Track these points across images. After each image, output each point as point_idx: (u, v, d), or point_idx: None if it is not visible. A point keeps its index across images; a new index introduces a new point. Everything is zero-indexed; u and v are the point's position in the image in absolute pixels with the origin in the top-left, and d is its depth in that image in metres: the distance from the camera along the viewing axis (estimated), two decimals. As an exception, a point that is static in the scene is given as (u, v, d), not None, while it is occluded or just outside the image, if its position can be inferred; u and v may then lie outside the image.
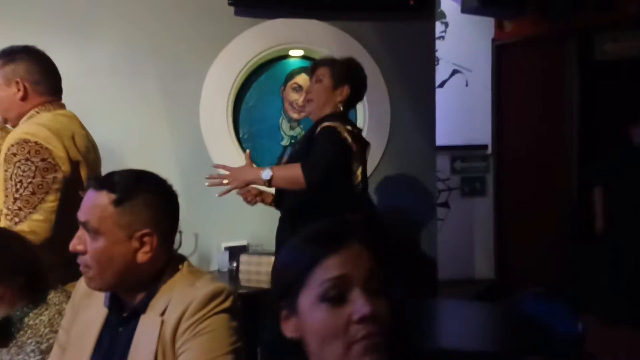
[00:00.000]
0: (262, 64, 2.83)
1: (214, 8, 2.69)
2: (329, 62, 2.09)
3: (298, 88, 2.85)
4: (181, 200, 1.14)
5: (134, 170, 1.11)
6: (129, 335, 1.05)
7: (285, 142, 2.87)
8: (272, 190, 2.08)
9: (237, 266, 2.50)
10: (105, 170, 1.12)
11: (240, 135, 2.82)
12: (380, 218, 2.75)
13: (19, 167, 1.50)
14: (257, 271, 2.27)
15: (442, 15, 4.36)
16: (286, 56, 2.87)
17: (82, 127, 1.74)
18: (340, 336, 0.73)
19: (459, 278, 4.22)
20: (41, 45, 1.75)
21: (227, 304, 1.04)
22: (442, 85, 4.35)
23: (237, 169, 1.92)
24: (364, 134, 2.87)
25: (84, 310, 1.13)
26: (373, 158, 2.89)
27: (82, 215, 1.06)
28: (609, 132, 3.84)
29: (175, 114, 2.67)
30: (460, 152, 4.44)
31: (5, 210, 1.52)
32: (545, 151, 4.20)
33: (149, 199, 1.07)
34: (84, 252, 1.05)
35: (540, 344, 1.86)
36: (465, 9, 3.89)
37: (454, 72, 4.47)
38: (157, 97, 2.65)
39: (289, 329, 0.80)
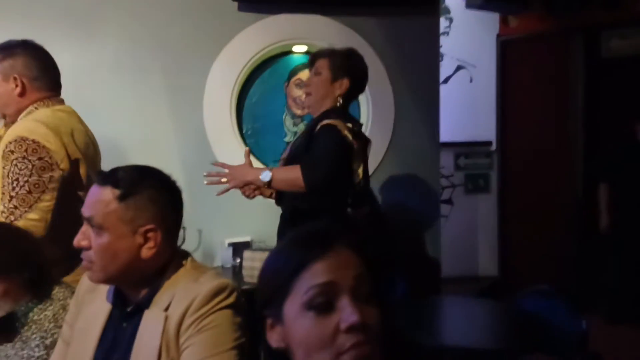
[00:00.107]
0: (266, 59, 2.82)
1: (217, 3, 2.68)
2: (328, 54, 2.02)
3: (302, 84, 2.84)
4: (185, 196, 1.14)
5: (138, 166, 1.11)
6: (132, 331, 1.05)
7: (288, 139, 2.86)
8: None
9: (241, 262, 2.51)
10: (109, 166, 1.12)
11: (244, 131, 2.82)
12: (383, 214, 2.75)
13: (16, 165, 1.49)
14: (261, 267, 2.26)
15: (447, 10, 4.34)
16: (290, 52, 2.87)
17: (81, 122, 1.73)
18: (328, 346, 0.70)
19: (463, 275, 4.22)
20: (45, 41, 1.74)
21: (230, 299, 1.04)
22: (446, 81, 4.33)
23: (236, 168, 1.89)
24: (367, 130, 2.88)
25: (88, 305, 1.14)
26: (376, 154, 2.88)
27: (86, 210, 1.07)
28: (614, 129, 3.82)
29: (178, 109, 2.67)
30: (464, 149, 4.42)
31: (1, 208, 1.52)
32: (549, 148, 4.18)
33: (153, 194, 1.07)
34: (88, 248, 1.06)
35: (543, 341, 1.86)
36: (469, 5, 3.88)
37: (458, 68, 4.45)
38: (161, 93, 2.65)
39: (274, 339, 0.76)
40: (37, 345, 1.24)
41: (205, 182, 1.88)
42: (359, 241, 0.78)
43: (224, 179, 1.87)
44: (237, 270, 2.53)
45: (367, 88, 2.85)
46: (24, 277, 1.29)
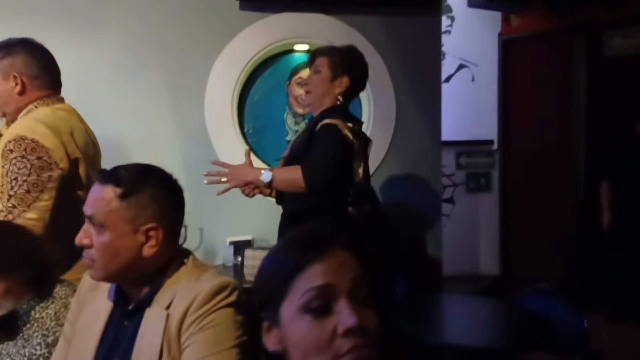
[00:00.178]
0: (267, 58, 2.82)
1: (219, 2, 2.68)
2: (328, 52, 2.00)
3: (303, 83, 2.83)
4: (186, 195, 1.14)
5: (139, 165, 1.12)
6: (134, 329, 1.05)
7: (290, 137, 2.86)
8: None
9: (242, 261, 2.51)
10: (110, 165, 1.12)
11: (245, 130, 2.82)
12: (384, 213, 2.74)
13: (15, 165, 1.49)
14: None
15: (449, 9, 4.33)
16: (291, 51, 2.87)
17: (82, 121, 1.73)
18: (325, 350, 0.68)
19: (464, 274, 4.21)
20: (46, 40, 1.74)
21: (232, 298, 1.04)
22: (448, 80, 4.33)
23: (237, 167, 1.88)
24: (368, 129, 2.88)
25: (89, 303, 1.14)
26: (378, 153, 2.88)
27: (88, 209, 1.07)
28: (616, 128, 3.81)
29: (180, 108, 2.67)
30: (466, 148, 4.42)
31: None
32: (551, 147, 4.17)
33: (155, 193, 1.07)
34: (89, 246, 1.06)
35: (545, 340, 1.85)
36: (471, 3, 3.87)
37: (460, 66, 4.44)
38: (163, 92, 2.65)
39: (270, 342, 0.75)
40: (39, 343, 1.25)
41: (205, 181, 1.88)
42: (356, 242, 0.77)
43: (224, 179, 1.87)
44: (238, 269, 2.53)
45: (368, 86, 2.85)
46: (25, 276, 1.30)
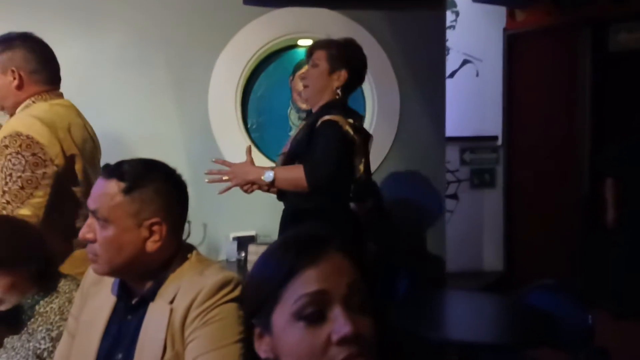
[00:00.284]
0: (271, 53, 2.81)
1: (222, -3, 2.68)
2: (325, 45, 1.97)
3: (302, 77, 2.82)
4: (190, 190, 1.14)
5: (143, 159, 1.11)
6: (137, 323, 1.05)
7: (293, 132, 2.85)
8: None
9: (245, 256, 2.52)
10: (113, 161, 1.12)
11: (249, 125, 2.82)
12: (387, 209, 2.74)
13: (10, 160, 1.49)
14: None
15: (453, 4, 4.30)
16: (295, 46, 2.86)
17: (80, 116, 1.72)
18: (319, 359, 0.66)
19: (468, 270, 4.21)
20: (49, 35, 1.74)
21: (236, 293, 1.03)
22: (452, 75, 4.31)
23: (238, 166, 1.86)
24: (372, 124, 2.87)
25: (93, 298, 1.14)
26: (382, 149, 2.87)
27: (91, 203, 1.07)
28: (621, 124, 3.79)
29: (183, 103, 2.67)
30: (470, 143, 4.40)
31: None
32: (556, 143, 4.15)
33: (159, 187, 1.07)
34: (93, 241, 1.06)
35: (549, 336, 1.85)
36: (476, -2, 3.84)
37: (465, 62, 4.42)
38: (166, 87, 2.64)
39: (262, 349, 0.73)
40: (43, 338, 1.25)
41: (206, 180, 1.87)
42: (353, 244, 0.74)
43: (225, 177, 1.86)
44: (241, 264, 2.54)
45: (372, 82, 2.87)
46: (30, 270, 1.30)
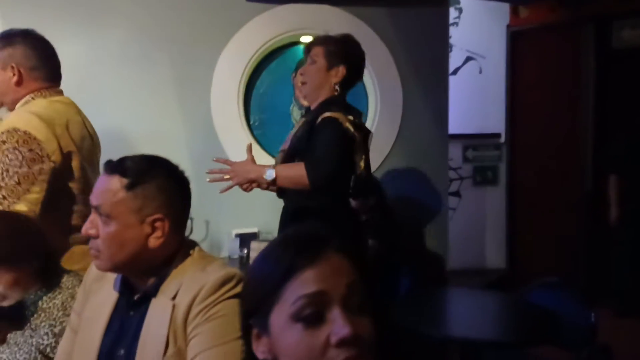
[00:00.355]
0: (273, 50, 2.81)
1: (225, -7, 2.67)
2: (323, 41, 1.96)
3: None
4: (192, 187, 1.14)
5: (146, 155, 1.11)
6: (139, 319, 1.05)
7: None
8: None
9: (248, 253, 2.51)
10: (115, 157, 1.12)
11: (251, 122, 2.82)
12: (390, 206, 2.73)
13: (7, 156, 1.49)
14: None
15: (456, 1, 4.29)
16: (297, 42, 2.85)
17: (80, 114, 1.72)
18: None
19: (470, 268, 4.20)
20: (51, 31, 1.74)
21: (238, 289, 1.03)
22: (455, 72, 4.29)
23: (239, 164, 1.86)
24: (375, 121, 2.87)
25: (95, 293, 1.14)
26: (384, 146, 2.87)
27: (94, 199, 1.07)
28: (624, 121, 3.78)
29: (186, 100, 2.67)
30: (473, 141, 4.39)
31: None
32: (559, 140, 4.14)
33: (161, 184, 1.07)
34: (95, 236, 1.06)
35: (552, 334, 1.85)
36: (479, -5, 3.82)
37: (468, 59, 4.41)
38: (169, 84, 2.64)
39: (260, 350, 0.72)
40: (46, 333, 1.25)
41: (207, 179, 1.86)
42: (350, 246, 0.73)
43: (226, 176, 1.85)
44: (244, 261, 2.54)
45: (375, 79, 2.87)
46: (33, 266, 1.31)
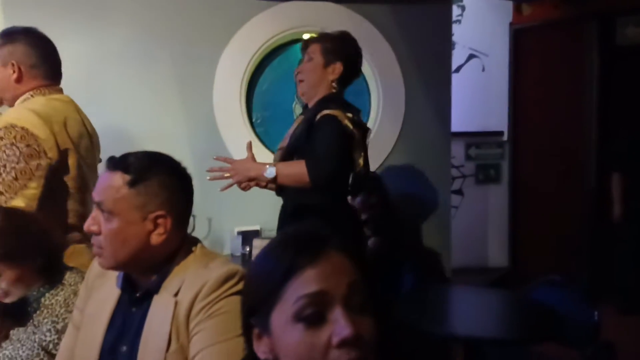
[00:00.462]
0: (276, 47, 2.81)
1: (227, -9, 2.67)
2: (319, 38, 1.96)
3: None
4: (195, 185, 1.14)
5: (149, 152, 1.11)
6: (142, 315, 1.05)
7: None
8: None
9: (250, 250, 2.52)
10: (117, 154, 1.12)
11: (254, 120, 2.81)
12: (392, 204, 2.73)
13: (4, 152, 1.50)
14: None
15: (459, -2, 4.28)
16: (300, 40, 2.84)
17: (79, 112, 1.73)
18: None
19: (473, 266, 4.20)
20: (54, 29, 1.74)
21: (240, 286, 1.03)
22: (458, 70, 4.28)
23: (240, 162, 1.85)
24: (377, 119, 2.86)
25: (98, 290, 1.14)
26: (387, 143, 2.87)
27: (96, 195, 1.07)
28: (628, 118, 3.76)
29: (188, 98, 2.67)
30: (476, 139, 4.38)
31: None
32: (562, 138, 4.13)
33: (164, 180, 1.07)
34: (98, 233, 1.06)
35: (555, 332, 1.84)
36: (482, -8, 3.81)
37: (471, 56, 4.39)
38: (171, 82, 2.64)
39: (261, 350, 0.71)
40: (49, 330, 1.26)
41: (207, 177, 1.86)
42: (351, 244, 0.72)
43: (227, 174, 1.85)
44: (246, 259, 2.54)
45: (377, 76, 2.86)
46: (36, 263, 1.31)
